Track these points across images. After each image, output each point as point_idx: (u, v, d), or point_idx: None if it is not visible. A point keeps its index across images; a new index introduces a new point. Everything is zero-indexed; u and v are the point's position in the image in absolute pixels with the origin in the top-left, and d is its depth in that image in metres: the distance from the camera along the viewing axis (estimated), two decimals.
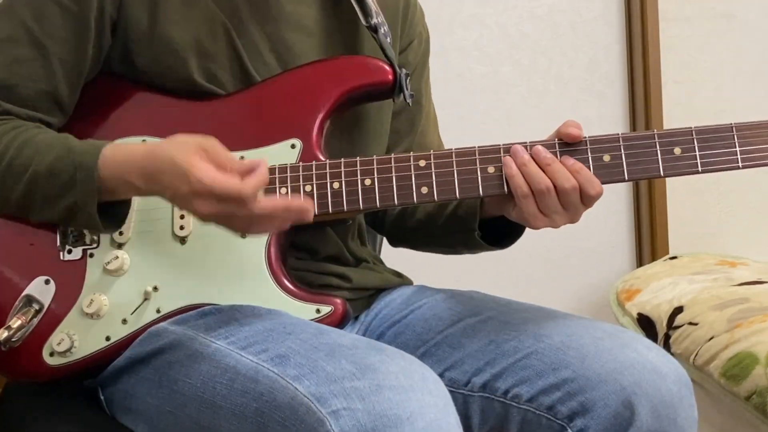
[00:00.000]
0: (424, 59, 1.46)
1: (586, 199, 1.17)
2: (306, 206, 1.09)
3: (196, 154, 1.07)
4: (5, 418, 1.28)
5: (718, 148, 1.18)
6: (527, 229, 1.31)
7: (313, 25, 1.31)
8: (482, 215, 1.29)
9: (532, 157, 1.17)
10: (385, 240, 1.57)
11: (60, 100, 1.23)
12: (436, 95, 1.52)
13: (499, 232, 1.31)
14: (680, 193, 2.50)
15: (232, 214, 1.07)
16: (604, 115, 2.48)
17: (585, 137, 1.19)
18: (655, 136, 1.19)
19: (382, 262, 1.46)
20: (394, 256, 1.53)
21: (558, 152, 1.18)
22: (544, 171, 1.16)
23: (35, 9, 1.20)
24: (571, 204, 1.16)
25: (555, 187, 1.16)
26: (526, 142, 1.19)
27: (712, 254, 2.36)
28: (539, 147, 1.17)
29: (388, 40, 1.31)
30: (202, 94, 1.25)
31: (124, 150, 1.14)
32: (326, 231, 1.32)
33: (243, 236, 1.21)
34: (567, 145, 1.18)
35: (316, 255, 1.32)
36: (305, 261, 1.30)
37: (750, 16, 2.51)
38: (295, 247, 1.29)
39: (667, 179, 2.45)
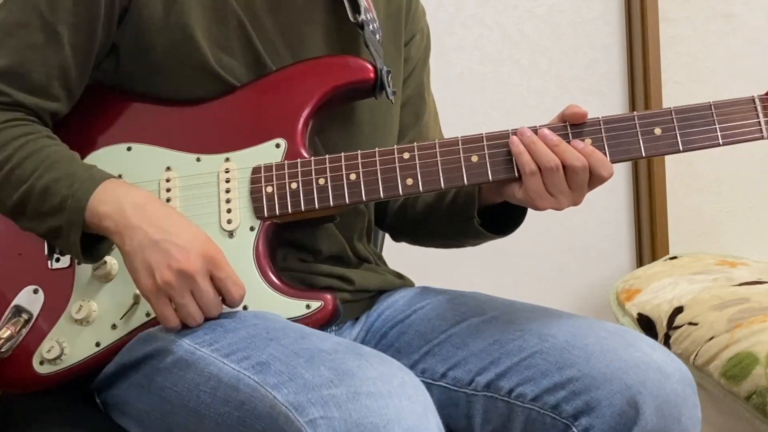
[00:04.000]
0: (426, 54, 1.48)
1: (595, 180, 1.18)
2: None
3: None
4: (5, 419, 1.28)
5: (697, 126, 1.19)
6: (528, 230, 1.31)
7: (323, 18, 1.32)
8: (482, 203, 1.29)
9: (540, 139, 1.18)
10: (387, 240, 1.57)
11: (70, 86, 1.23)
12: (436, 95, 1.53)
13: (499, 219, 1.31)
14: (680, 192, 2.50)
15: (188, 290, 1.13)
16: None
17: (566, 123, 1.19)
18: (635, 117, 1.19)
19: (384, 262, 1.46)
20: (395, 256, 1.53)
21: (570, 134, 1.18)
22: (552, 151, 1.17)
23: None
24: (578, 184, 1.17)
25: (564, 166, 1.16)
26: (536, 126, 1.19)
27: (712, 254, 2.36)
28: (545, 130, 1.18)
29: (377, 37, 1.32)
30: (216, 84, 1.25)
31: (127, 184, 1.18)
32: (331, 230, 1.31)
33: (231, 236, 1.22)
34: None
35: (319, 255, 1.31)
36: (307, 263, 1.30)
37: (750, 16, 2.51)
38: (296, 248, 1.29)
39: (667, 178, 2.45)
